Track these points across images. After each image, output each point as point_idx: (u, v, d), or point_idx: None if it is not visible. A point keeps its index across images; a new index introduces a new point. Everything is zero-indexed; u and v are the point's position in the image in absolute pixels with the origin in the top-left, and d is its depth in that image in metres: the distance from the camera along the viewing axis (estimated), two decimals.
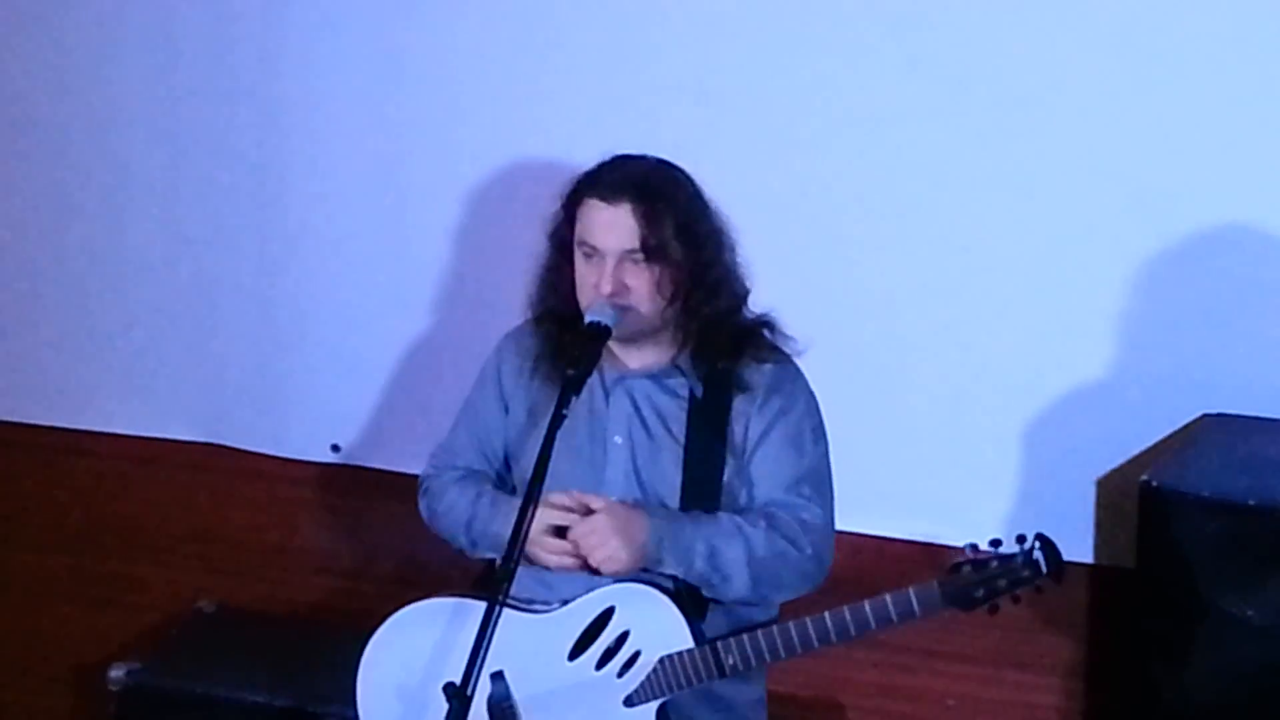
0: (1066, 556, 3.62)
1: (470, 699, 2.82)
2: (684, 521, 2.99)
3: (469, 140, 3.92)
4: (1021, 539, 2.82)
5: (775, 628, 2.92)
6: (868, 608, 2.86)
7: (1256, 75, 3.44)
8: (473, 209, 3.92)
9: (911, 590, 2.85)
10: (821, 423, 3.15)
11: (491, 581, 2.95)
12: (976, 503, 3.73)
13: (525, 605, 3.04)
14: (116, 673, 3.78)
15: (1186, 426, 3.55)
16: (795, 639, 2.90)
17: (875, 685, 3.79)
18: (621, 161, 3.07)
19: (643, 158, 3.09)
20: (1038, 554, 2.81)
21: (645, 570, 2.99)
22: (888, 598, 2.85)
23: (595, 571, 2.98)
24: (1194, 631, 3.27)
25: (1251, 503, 3.20)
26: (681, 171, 3.09)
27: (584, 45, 3.82)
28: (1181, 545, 3.26)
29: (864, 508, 3.63)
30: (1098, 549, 3.67)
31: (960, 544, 3.70)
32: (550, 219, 3.12)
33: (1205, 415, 3.53)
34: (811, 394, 3.14)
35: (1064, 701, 3.75)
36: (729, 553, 2.97)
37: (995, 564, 2.82)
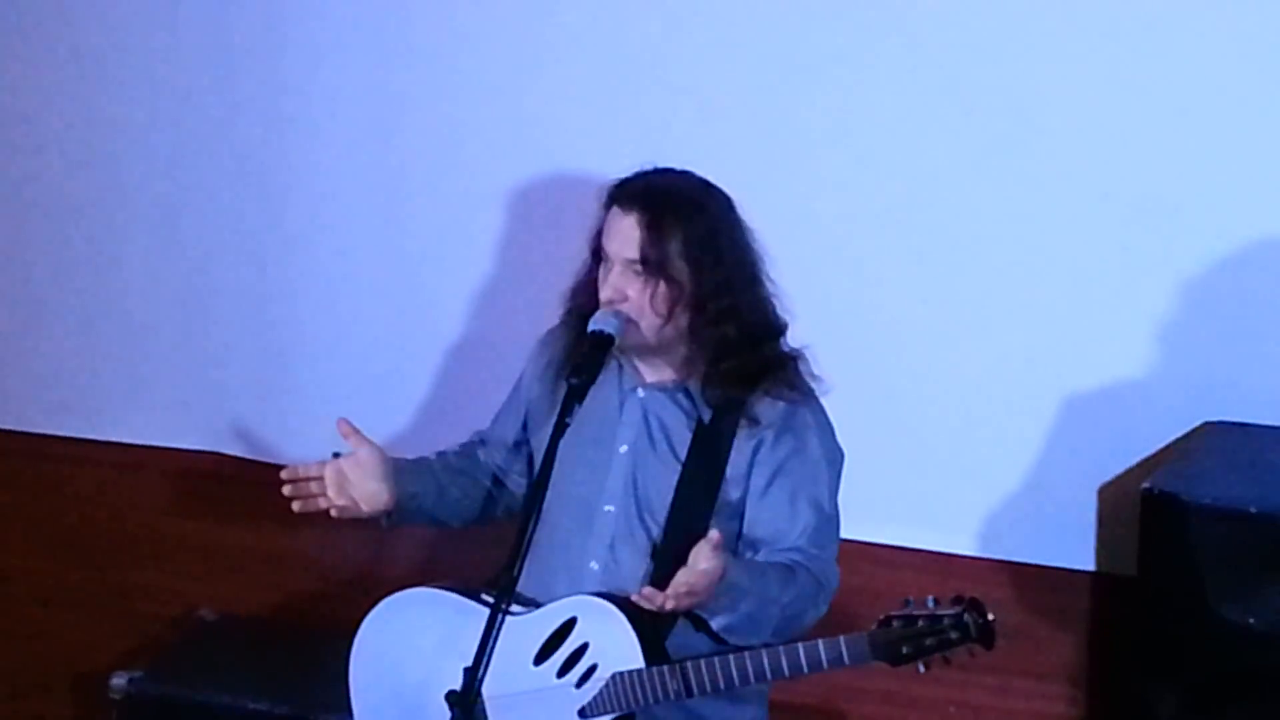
0: (1069, 564, 3.67)
1: (473, 707, 2.83)
2: (741, 578, 2.94)
3: (472, 148, 3.92)
4: (959, 599, 2.76)
5: (717, 660, 2.90)
6: (801, 651, 2.84)
7: (1261, 84, 3.44)
8: (477, 217, 3.92)
9: (842, 639, 2.82)
10: (837, 461, 3.12)
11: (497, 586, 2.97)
12: (978, 510, 3.73)
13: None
14: (118, 681, 3.78)
15: (1188, 434, 3.55)
16: (734, 673, 2.88)
17: (877, 692, 3.78)
18: (651, 173, 3.07)
19: (680, 173, 3.08)
20: (967, 618, 2.73)
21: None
22: (820, 644, 2.83)
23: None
24: (1196, 639, 3.27)
25: (1253, 510, 3.20)
26: (717, 195, 3.07)
27: (602, 55, 3.81)
28: (1183, 552, 3.25)
29: (866, 515, 3.62)
30: (1099, 556, 3.67)
31: (964, 552, 3.74)
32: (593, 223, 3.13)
33: (1207, 423, 3.53)
34: (828, 436, 3.11)
35: (1065, 709, 3.75)
36: (764, 615, 2.96)
37: (922, 624, 2.76)
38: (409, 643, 3.13)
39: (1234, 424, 3.52)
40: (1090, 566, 3.69)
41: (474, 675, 2.83)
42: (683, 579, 2.84)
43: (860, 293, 3.73)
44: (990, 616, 2.74)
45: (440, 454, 3.31)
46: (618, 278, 3.00)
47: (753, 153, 3.69)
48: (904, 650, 2.77)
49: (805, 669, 2.85)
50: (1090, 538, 3.67)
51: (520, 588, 2.99)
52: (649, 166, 3.08)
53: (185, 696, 3.78)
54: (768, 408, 3.05)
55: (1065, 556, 3.68)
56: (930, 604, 2.77)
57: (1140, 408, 3.59)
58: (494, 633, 2.83)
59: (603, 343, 2.98)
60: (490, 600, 2.91)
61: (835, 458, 3.12)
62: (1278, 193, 3.47)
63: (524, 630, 3.01)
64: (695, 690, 2.91)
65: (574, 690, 2.97)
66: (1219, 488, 3.26)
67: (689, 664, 2.91)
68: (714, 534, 2.86)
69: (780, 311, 3.11)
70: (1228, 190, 3.49)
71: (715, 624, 2.95)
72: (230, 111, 4.08)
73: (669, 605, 2.85)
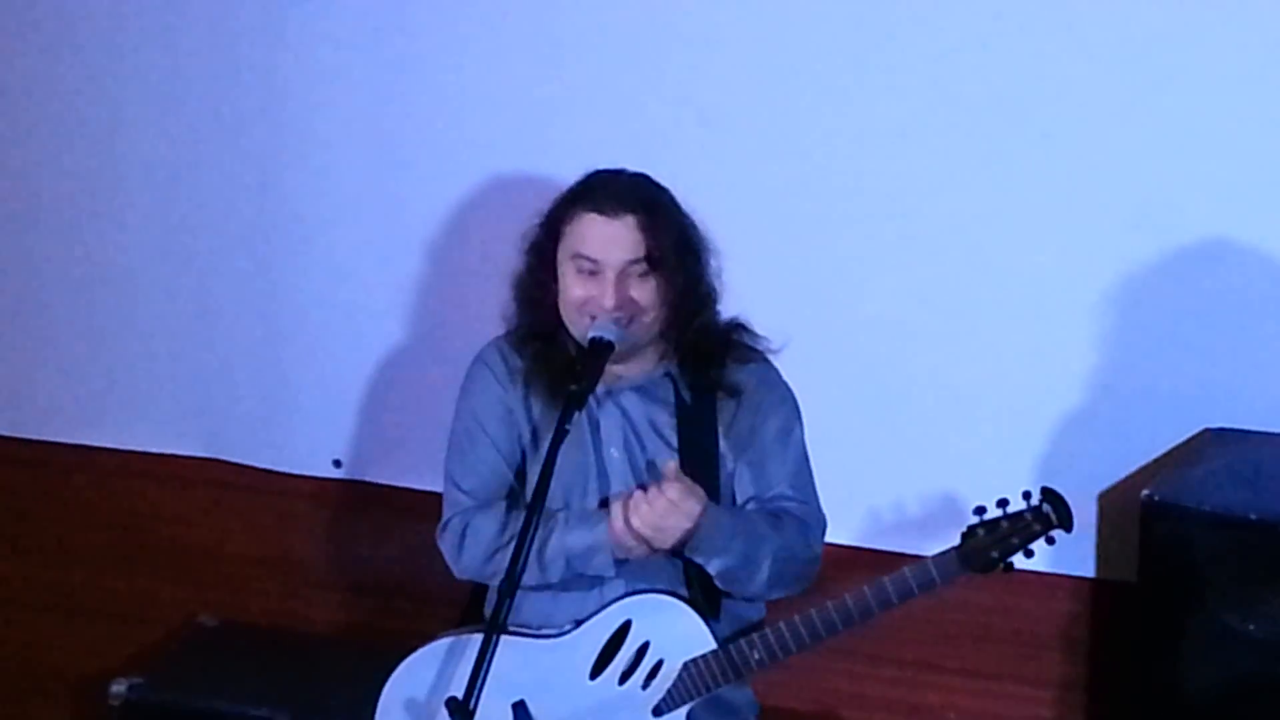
0: (1069, 570, 3.67)
1: (473, 712, 2.81)
2: (724, 517, 2.99)
3: (471, 152, 3.91)
4: (1027, 495, 2.86)
5: (798, 617, 2.92)
6: (888, 583, 2.88)
7: (1258, 89, 3.44)
8: (477, 221, 3.91)
9: (930, 560, 2.88)
10: (799, 410, 3.19)
11: (487, 601, 2.96)
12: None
13: (536, 631, 3.03)
14: (118, 687, 3.77)
15: (1188, 441, 3.54)
16: (819, 625, 2.91)
17: (877, 698, 3.79)
18: (612, 176, 3.08)
19: (623, 171, 3.09)
20: (1046, 507, 2.85)
21: (673, 554, 2.99)
22: (906, 570, 2.88)
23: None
24: (1196, 646, 3.26)
25: (1253, 517, 3.19)
26: (660, 184, 3.11)
27: (577, 58, 3.81)
28: (1183, 559, 3.25)
29: (863, 522, 3.62)
30: (1099, 563, 3.67)
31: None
32: (527, 234, 3.12)
33: (1207, 429, 3.53)
34: (791, 390, 3.18)
35: (1065, 715, 3.74)
36: (758, 553, 2.99)
37: (1006, 523, 2.85)
38: (437, 694, 3.06)
39: (1234, 430, 3.51)
40: (1090, 573, 3.68)
41: (474, 681, 2.81)
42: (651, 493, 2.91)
43: (857, 298, 3.72)
44: (1065, 499, 2.86)
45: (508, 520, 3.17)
46: (618, 283, 2.99)
47: (736, 160, 3.70)
48: (994, 554, 2.86)
49: (896, 600, 2.88)
50: (1090, 544, 3.67)
51: (535, 612, 3.00)
52: (589, 171, 3.09)
53: (185, 703, 3.77)
54: (738, 373, 3.11)
55: (1065, 563, 3.67)
56: (997, 506, 2.85)
57: (1140, 414, 3.59)
58: (495, 637, 2.81)
59: (604, 349, 2.98)
60: (515, 631, 2.92)
61: (797, 404, 3.18)
62: (1278, 198, 3.47)
63: (572, 648, 3.00)
64: (779, 654, 2.93)
65: (641, 692, 2.96)
66: (1219, 495, 3.25)
67: (768, 630, 2.93)
68: (669, 464, 2.93)
69: (720, 282, 3.15)
70: (1228, 196, 3.48)
71: (712, 568, 2.98)
72: (232, 119, 4.08)
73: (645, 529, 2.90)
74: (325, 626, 4.13)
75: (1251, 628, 3.20)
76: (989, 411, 3.68)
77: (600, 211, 3.00)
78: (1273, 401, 3.49)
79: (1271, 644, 3.19)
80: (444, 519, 3.16)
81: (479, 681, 2.80)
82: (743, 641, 2.94)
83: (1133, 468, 3.60)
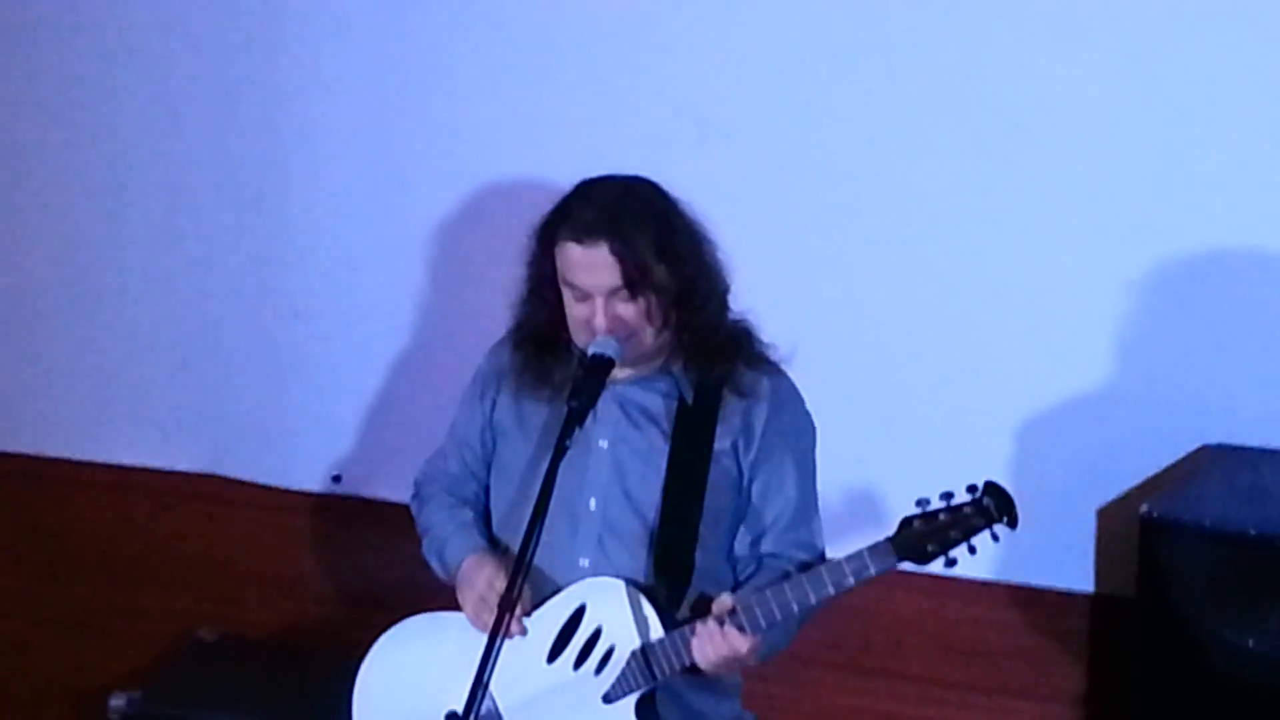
0: (1068, 585, 3.67)
1: None
2: (777, 625, 2.94)
3: (471, 161, 3.93)
4: (972, 488, 2.76)
5: (741, 612, 2.86)
6: (826, 575, 2.82)
7: (1258, 100, 3.45)
8: (476, 234, 3.93)
9: (865, 551, 2.80)
10: (815, 435, 3.17)
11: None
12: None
13: None
14: (117, 701, 3.78)
15: (1187, 456, 3.55)
16: (760, 616, 2.86)
17: (877, 713, 3.79)
18: (587, 192, 3.03)
19: (608, 181, 3.05)
20: (987, 500, 2.73)
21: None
22: (843, 561, 2.81)
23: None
24: (1195, 661, 3.27)
25: (1252, 533, 3.20)
26: (648, 185, 3.06)
27: (579, 66, 3.83)
28: (1182, 575, 3.26)
29: (865, 538, 3.62)
30: (1099, 579, 3.68)
31: (963, 574, 3.73)
32: (529, 247, 3.12)
33: (1205, 445, 3.54)
34: (806, 407, 3.15)
35: None
36: (790, 625, 2.98)
37: (945, 516, 2.75)
38: (415, 672, 3.11)
39: (1233, 447, 3.52)
40: (1089, 588, 3.69)
41: (474, 694, 2.81)
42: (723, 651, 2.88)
43: (855, 310, 3.74)
44: (1010, 494, 2.73)
45: (469, 516, 3.27)
46: (606, 307, 2.99)
47: (736, 163, 3.72)
48: (929, 548, 2.76)
49: (833, 592, 2.82)
50: (1089, 560, 3.67)
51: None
52: (573, 187, 3.06)
53: (183, 717, 3.78)
54: (751, 380, 3.08)
55: (1064, 578, 3.69)
56: (943, 498, 2.76)
57: (1139, 430, 3.60)
58: (494, 655, 2.82)
59: (604, 366, 2.98)
60: (501, 629, 2.90)
61: (813, 424, 3.16)
62: (1276, 214, 3.48)
63: (531, 631, 3.00)
64: None
65: (594, 678, 2.96)
66: (1217, 510, 3.27)
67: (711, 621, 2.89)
68: (723, 600, 2.88)
69: (727, 273, 3.11)
70: (1227, 212, 3.50)
71: (756, 660, 2.96)
72: (231, 130, 4.09)
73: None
74: (324, 641, 4.12)
75: (1251, 643, 3.21)
76: (989, 426, 3.69)
77: (578, 241, 2.98)
78: (1271, 417, 3.50)
79: (1270, 658, 3.19)
80: (417, 480, 3.39)
81: (479, 694, 2.81)
82: (686, 629, 2.92)
83: (1132, 484, 3.61)
